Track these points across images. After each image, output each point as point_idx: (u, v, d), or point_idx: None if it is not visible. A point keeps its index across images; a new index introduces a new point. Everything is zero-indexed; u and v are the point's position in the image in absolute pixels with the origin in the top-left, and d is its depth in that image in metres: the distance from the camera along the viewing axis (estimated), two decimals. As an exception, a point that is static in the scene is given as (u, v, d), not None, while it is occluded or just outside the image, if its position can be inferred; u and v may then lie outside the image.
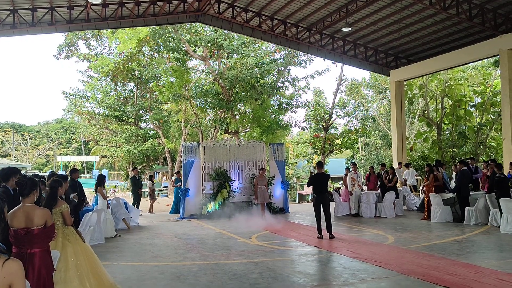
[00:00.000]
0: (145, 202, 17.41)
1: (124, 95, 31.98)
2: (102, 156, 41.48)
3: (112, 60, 27.44)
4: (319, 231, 9.68)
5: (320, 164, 10.30)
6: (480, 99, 22.77)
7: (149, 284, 6.21)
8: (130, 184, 16.72)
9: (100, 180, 10.89)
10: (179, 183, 16.15)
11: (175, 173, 17.87)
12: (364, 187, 15.08)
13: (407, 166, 17.92)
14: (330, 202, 10.17)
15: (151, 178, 17.94)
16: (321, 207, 9.77)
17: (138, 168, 35.39)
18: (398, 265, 6.93)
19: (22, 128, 58.08)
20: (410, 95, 23.48)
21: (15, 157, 50.18)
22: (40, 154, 53.43)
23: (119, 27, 17.96)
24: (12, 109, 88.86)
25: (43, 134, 57.84)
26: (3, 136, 51.96)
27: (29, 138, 54.36)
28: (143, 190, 17.50)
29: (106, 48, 30.62)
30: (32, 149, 53.81)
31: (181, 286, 6.08)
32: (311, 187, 10.14)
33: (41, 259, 3.84)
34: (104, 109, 30.57)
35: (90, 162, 50.42)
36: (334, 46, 18.70)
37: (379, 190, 14.28)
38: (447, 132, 23.71)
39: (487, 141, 23.03)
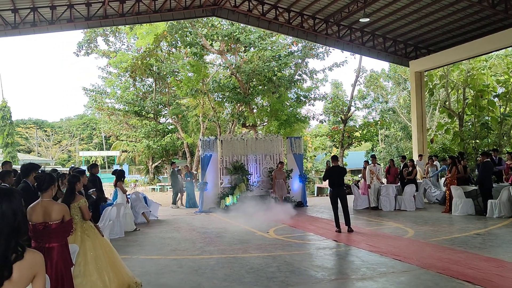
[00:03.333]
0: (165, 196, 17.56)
1: (143, 90, 32.29)
2: (123, 151, 42.05)
3: (130, 56, 27.73)
4: (337, 225, 9.62)
5: (335, 158, 10.18)
6: (503, 88, 22.17)
7: (167, 278, 6.26)
8: (171, 178, 16.96)
9: (120, 175, 11.02)
10: (189, 178, 16.28)
11: (184, 167, 17.93)
12: (384, 180, 14.89)
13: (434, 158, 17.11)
14: (348, 195, 10.09)
15: (179, 171, 17.65)
16: (338, 200, 9.67)
17: (158, 162, 35.89)
18: (417, 259, 6.82)
19: (45, 124, 59.25)
20: (431, 86, 23.00)
21: (38, 153, 51.31)
22: (63, 150, 54.50)
23: (137, 22, 18.05)
24: (35, 106, 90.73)
25: (65, 130, 58.89)
26: (27, 133, 53.14)
27: (52, 134, 55.44)
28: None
29: (124, 44, 30.96)
30: (55, 145, 54.89)
31: (199, 280, 6.12)
32: (327, 181, 10.06)
33: (59, 254, 3.90)
34: (124, 105, 30.95)
35: (111, 157, 51.19)
36: (352, 37, 18.41)
37: (399, 183, 14.10)
38: (469, 123, 23.19)
39: (511, 132, 22.44)
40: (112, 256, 5.56)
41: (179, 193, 16.65)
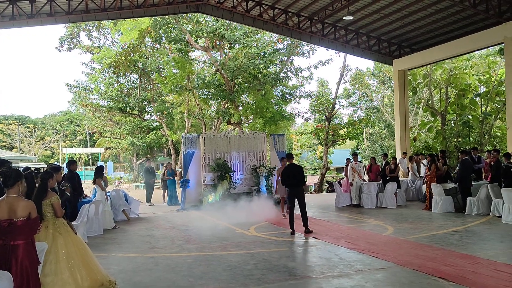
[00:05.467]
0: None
1: (128, 86, 31.93)
2: (107, 148, 41.61)
3: (114, 51, 27.38)
4: (291, 227, 9.20)
5: (290, 155, 9.74)
6: (485, 88, 22.46)
7: (142, 276, 6.18)
8: (144, 176, 16.83)
9: (98, 172, 10.87)
10: (170, 176, 16.11)
11: (167, 164, 17.70)
12: (366, 178, 14.97)
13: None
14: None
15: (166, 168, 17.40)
16: (296, 200, 9.22)
17: (142, 159, 35.59)
18: (395, 256, 6.86)
19: (28, 120, 58.25)
20: (414, 85, 23.21)
21: (21, 150, 50.43)
22: (46, 147, 53.64)
23: (119, 18, 17.82)
24: (17, 101, 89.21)
25: (49, 126, 57.97)
26: (9, 129, 52.20)
27: (35, 131, 54.52)
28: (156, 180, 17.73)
29: (108, 40, 30.60)
30: (38, 141, 53.99)
31: (174, 277, 6.06)
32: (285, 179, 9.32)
33: (24, 251, 3.80)
34: (108, 101, 30.57)
35: (95, 154, 50.63)
36: (336, 35, 18.47)
37: (380, 181, 14.19)
38: (451, 122, 23.46)
39: (492, 130, 22.76)
40: (85, 254, 5.46)
41: (151, 190, 16.42)
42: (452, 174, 13.58)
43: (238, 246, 8.06)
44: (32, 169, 9.09)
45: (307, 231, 9.04)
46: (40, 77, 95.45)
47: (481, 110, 22.54)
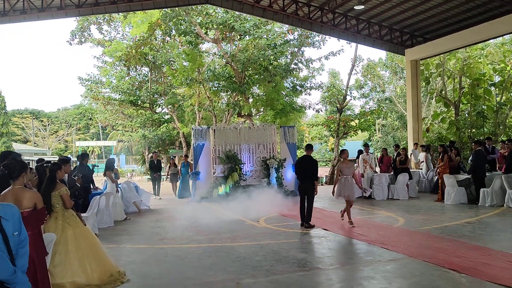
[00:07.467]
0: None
1: (139, 79, 32.03)
2: (119, 141, 41.93)
3: (125, 45, 27.46)
4: (302, 218, 9.10)
5: (309, 146, 9.45)
6: (500, 77, 22.00)
7: (152, 267, 6.20)
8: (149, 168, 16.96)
9: (108, 165, 10.93)
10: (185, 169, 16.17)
11: (183, 157, 17.72)
12: (377, 169, 14.83)
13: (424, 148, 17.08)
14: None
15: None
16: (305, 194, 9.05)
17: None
18: (405, 248, 6.78)
19: (42, 114, 59.01)
20: (427, 75, 22.85)
21: (35, 143, 51.13)
22: (59, 140, 54.34)
23: (129, 10, 17.82)
24: (31, 96, 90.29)
25: (62, 120, 58.67)
26: (23, 123, 52.95)
27: (48, 124, 55.27)
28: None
29: (119, 33, 30.66)
30: (52, 135, 54.74)
31: (184, 268, 6.07)
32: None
33: (31, 242, 3.79)
34: (119, 94, 30.72)
35: (108, 147, 51.12)
36: (347, 25, 18.21)
37: (392, 172, 14.04)
38: (465, 112, 23.07)
39: (507, 120, 22.33)
40: (94, 245, 5.51)
41: (156, 184, 16.32)
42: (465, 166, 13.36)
43: (248, 237, 8.04)
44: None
45: (308, 226, 8.90)
46: (52, 71, 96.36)
47: (496, 100, 22.11)
